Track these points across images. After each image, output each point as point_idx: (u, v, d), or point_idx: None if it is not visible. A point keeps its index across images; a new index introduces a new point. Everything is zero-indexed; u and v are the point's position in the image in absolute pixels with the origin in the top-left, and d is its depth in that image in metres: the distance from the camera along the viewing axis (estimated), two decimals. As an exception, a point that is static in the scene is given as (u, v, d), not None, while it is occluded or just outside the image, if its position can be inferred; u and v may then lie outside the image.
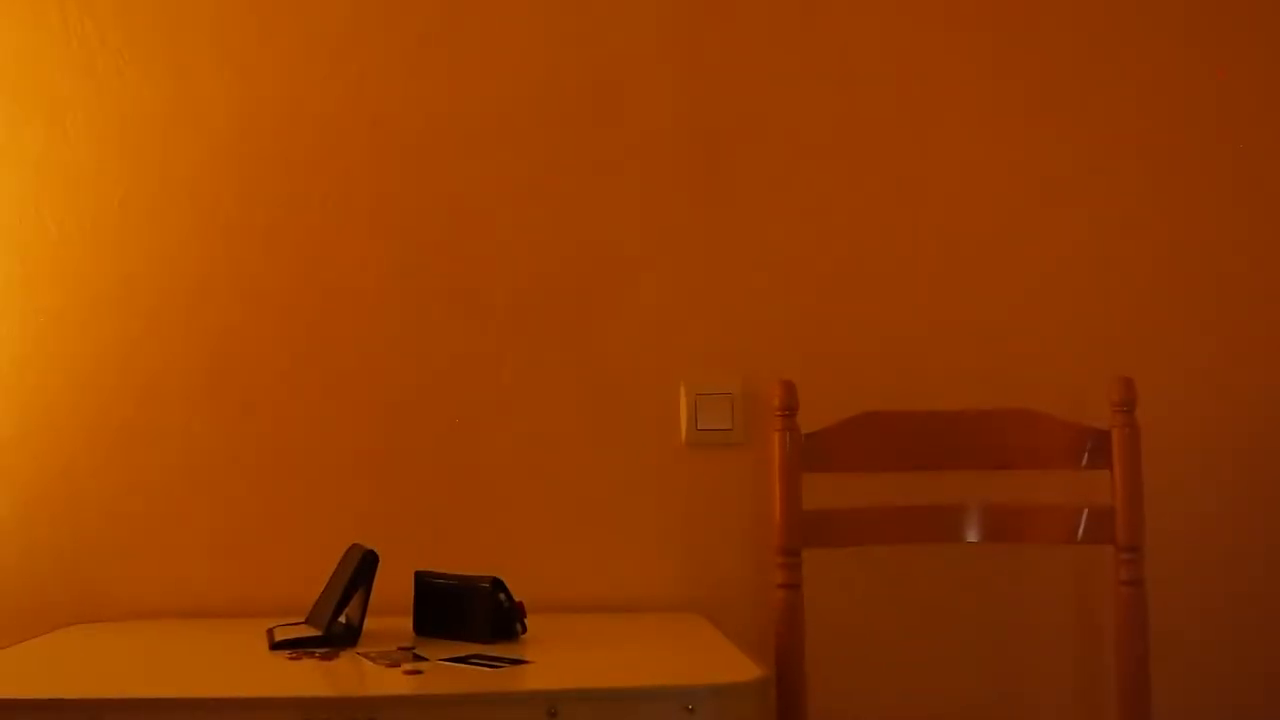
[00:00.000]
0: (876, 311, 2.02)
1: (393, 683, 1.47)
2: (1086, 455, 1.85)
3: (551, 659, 1.59)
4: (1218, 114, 2.05)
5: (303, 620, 1.74)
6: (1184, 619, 1.96)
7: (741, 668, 1.53)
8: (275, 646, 1.64)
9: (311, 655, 1.60)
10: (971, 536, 1.88)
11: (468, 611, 1.69)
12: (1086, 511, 1.84)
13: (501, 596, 1.69)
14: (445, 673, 1.51)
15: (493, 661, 1.55)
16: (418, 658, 1.57)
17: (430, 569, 1.76)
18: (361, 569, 1.68)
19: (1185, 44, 2.05)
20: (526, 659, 1.57)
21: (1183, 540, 1.97)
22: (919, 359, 2.01)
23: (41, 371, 1.97)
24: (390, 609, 1.74)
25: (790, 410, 1.83)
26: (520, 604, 1.70)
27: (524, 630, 1.70)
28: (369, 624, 1.69)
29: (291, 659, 1.59)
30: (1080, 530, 1.85)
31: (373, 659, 1.57)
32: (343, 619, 1.67)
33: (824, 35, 2.02)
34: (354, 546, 1.73)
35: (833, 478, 1.85)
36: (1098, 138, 2.03)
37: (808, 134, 2.02)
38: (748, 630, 1.86)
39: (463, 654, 1.58)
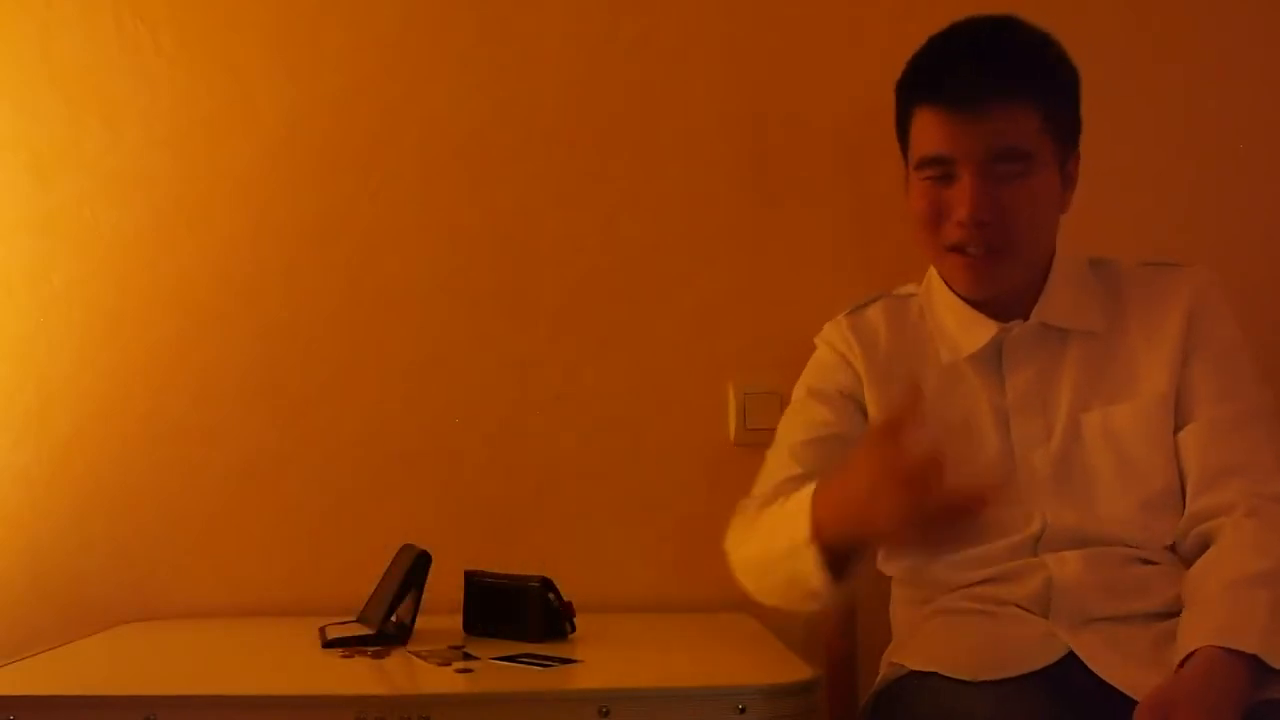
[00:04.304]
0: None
1: (445, 681, 1.48)
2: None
3: (602, 659, 1.59)
4: None
5: (355, 619, 1.75)
6: None
7: (793, 668, 1.53)
8: (327, 645, 1.65)
9: (363, 653, 1.61)
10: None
11: (517, 611, 1.69)
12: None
13: (551, 596, 1.69)
14: (496, 671, 1.51)
15: (543, 661, 1.55)
16: (468, 656, 1.58)
17: (480, 568, 1.76)
18: (414, 569, 1.69)
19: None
20: (577, 659, 1.57)
21: None
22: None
23: (99, 372, 2.00)
24: (440, 608, 1.74)
25: (840, 409, 1.82)
26: (569, 603, 1.70)
27: (573, 630, 1.70)
28: (419, 623, 1.70)
29: (344, 657, 1.60)
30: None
31: (424, 657, 1.58)
32: (394, 618, 1.68)
33: (872, 32, 2.00)
34: (406, 546, 1.74)
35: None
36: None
37: (856, 131, 2.00)
38: (798, 630, 1.85)
39: (513, 653, 1.58)
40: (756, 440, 1.97)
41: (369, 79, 2.01)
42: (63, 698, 1.45)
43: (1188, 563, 1.44)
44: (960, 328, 1.59)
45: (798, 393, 1.70)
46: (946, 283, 1.61)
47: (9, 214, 2.00)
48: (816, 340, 1.72)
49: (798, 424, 1.65)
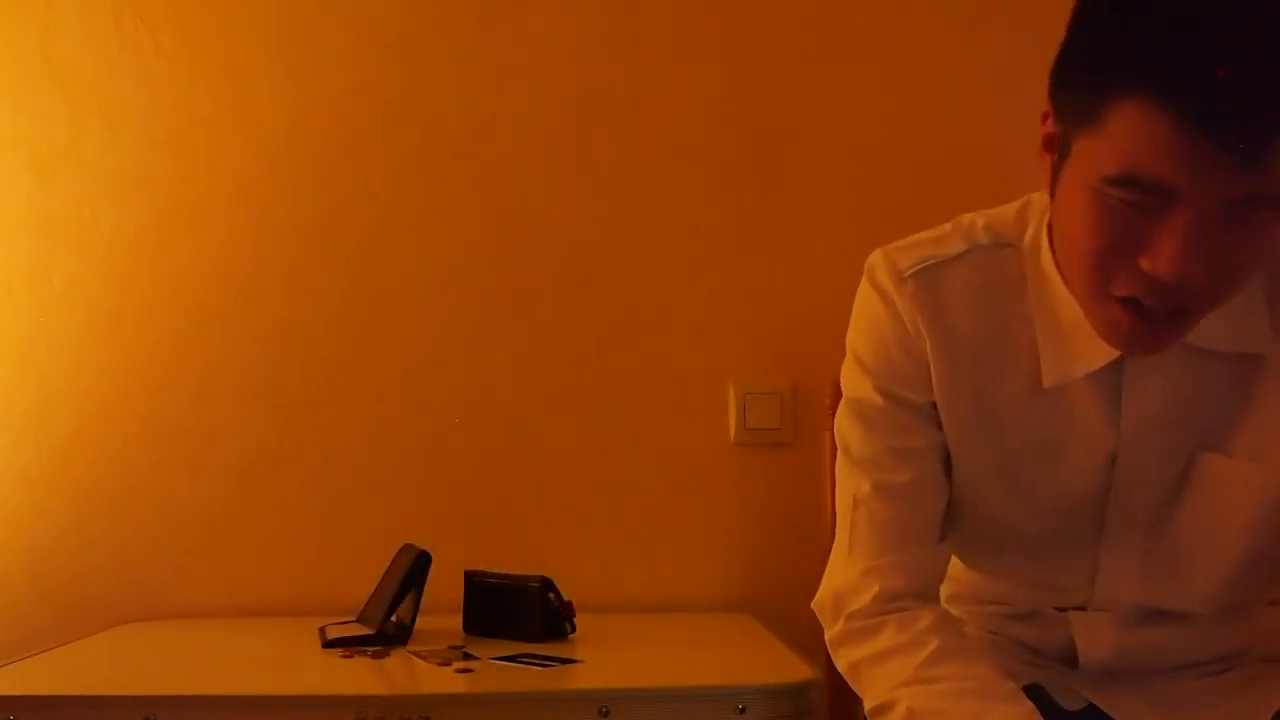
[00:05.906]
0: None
1: (445, 681, 1.48)
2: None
3: (602, 659, 1.60)
4: None
5: (355, 619, 1.75)
6: None
7: (793, 668, 1.53)
8: (328, 645, 1.65)
9: (363, 653, 1.61)
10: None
11: (518, 611, 1.70)
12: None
13: (551, 596, 1.69)
14: (496, 672, 1.52)
15: (543, 661, 1.55)
16: (468, 656, 1.58)
17: (480, 568, 1.76)
18: (414, 569, 1.69)
19: None
20: (577, 659, 1.57)
21: None
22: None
23: (99, 372, 2.00)
24: (440, 608, 1.74)
25: (840, 409, 1.80)
26: (570, 603, 1.70)
27: (573, 630, 1.70)
28: (419, 623, 1.70)
29: (344, 657, 1.60)
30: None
31: (424, 657, 1.58)
32: (394, 618, 1.68)
33: (870, 32, 2.00)
34: (407, 546, 1.74)
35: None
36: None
37: (856, 131, 2.00)
38: (798, 630, 1.84)
39: (513, 653, 1.58)
40: (756, 440, 1.98)
41: (369, 79, 2.01)
42: (63, 698, 1.45)
43: None
44: (1076, 337, 1.14)
45: (862, 384, 1.25)
46: (1093, 321, 1.09)
47: (9, 214, 2.01)
48: (865, 290, 1.28)
49: (883, 449, 1.22)
